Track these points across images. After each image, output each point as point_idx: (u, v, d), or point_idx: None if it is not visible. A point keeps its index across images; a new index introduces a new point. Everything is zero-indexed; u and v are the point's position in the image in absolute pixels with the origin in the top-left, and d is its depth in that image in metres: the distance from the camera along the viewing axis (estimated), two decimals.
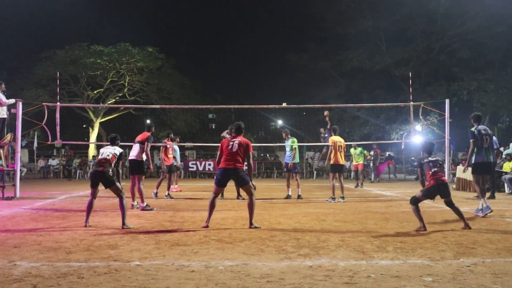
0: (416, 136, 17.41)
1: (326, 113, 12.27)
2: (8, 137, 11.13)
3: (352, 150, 17.11)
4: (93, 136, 27.29)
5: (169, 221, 7.10)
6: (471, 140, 7.89)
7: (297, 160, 11.22)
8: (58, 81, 13.76)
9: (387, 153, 28.12)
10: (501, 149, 13.62)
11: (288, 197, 11.08)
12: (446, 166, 13.35)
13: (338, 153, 10.10)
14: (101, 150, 6.80)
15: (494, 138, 11.06)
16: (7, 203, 9.66)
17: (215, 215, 7.63)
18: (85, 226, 6.47)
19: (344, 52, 29.17)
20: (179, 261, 4.39)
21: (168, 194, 11.29)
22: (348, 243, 5.28)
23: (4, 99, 10.76)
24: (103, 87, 27.56)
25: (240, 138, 6.61)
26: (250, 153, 6.55)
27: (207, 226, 6.42)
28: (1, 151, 10.84)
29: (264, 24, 47.19)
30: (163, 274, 3.94)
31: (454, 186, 14.86)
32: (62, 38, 27.83)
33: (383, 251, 4.86)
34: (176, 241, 5.38)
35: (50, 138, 12.29)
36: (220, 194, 10.59)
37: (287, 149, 11.31)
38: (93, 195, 6.68)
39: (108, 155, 6.62)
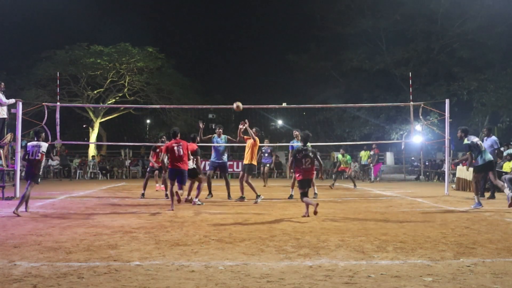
0: (416, 136, 17.42)
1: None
2: (8, 137, 11.13)
3: (340, 156, 16.48)
4: (93, 136, 27.27)
5: (169, 221, 7.10)
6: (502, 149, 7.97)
7: None
8: (58, 81, 13.75)
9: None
10: (502, 149, 13.59)
11: (290, 197, 11.09)
12: (446, 166, 13.36)
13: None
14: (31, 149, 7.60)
15: (494, 138, 11.04)
16: (7, 203, 9.64)
17: (215, 215, 7.68)
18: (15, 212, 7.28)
19: (344, 52, 29.14)
20: (179, 261, 4.39)
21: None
22: (348, 243, 5.28)
23: (4, 99, 10.75)
24: (103, 87, 27.51)
25: (182, 142, 7.86)
26: (197, 150, 8.18)
27: (172, 210, 7.87)
28: (1, 151, 10.84)
29: (264, 24, 47.17)
30: (163, 274, 3.94)
31: (453, 186, 14.86)
32: (62, 38, 27.72)
33: (383, 251, 4.87)
34: (176, 241, 5.38)
35: (50, 138, 12.29)
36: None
37: None
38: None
39: (37, 156, 7.62)
